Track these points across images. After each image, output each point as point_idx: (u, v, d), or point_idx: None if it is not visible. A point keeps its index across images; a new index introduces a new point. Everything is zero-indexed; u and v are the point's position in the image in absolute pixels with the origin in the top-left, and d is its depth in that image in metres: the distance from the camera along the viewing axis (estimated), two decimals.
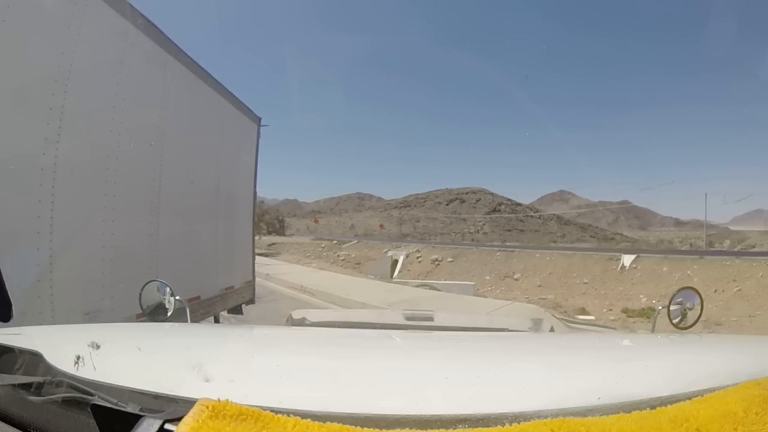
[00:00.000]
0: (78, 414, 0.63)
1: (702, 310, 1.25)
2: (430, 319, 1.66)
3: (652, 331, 1.32)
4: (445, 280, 19.88)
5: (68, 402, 0.64)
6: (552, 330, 1.77)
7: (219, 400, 0.50)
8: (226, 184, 4.87)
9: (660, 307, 1.29)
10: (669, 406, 0.54)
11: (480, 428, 0.51)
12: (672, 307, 1.25)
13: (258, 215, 14.52)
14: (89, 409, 0.59)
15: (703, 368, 0.77)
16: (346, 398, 0.61)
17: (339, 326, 1.55)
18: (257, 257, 6.84)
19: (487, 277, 25.72)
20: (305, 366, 0.82)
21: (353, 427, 0.49)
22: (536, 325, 1.67)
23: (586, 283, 21.99)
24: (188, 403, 0.51)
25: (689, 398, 0.56)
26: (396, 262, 28.98)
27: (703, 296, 1.27)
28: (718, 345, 1.13)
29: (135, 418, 0.56)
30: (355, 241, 43.30)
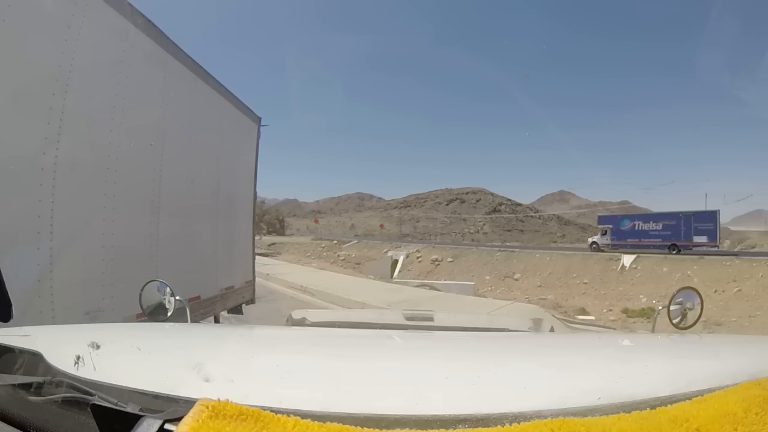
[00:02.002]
0: (78, 414, 0.63)
1: (702, 310, 1.25)
2: (430, 319, 1.66)
3: (652, 331, 1.32)
4: (445, 280, 19.89)
5: (68, 402, 0.64)
6: (552, 330, 1.77)
7: (219, 400, 0.50)
8: (226, 184, 4.87)
9: (660, 307, 1.29)
10: (669, 406, 0.54)
11: (480, 428, 0.51)
12: (672, 307, 1.25)
13: (258, 215, 14.53)
14: (89, 409, 0.59)
15: (703, 368, 0.77)
16: (346, 398, 0.61)
17: (339, 326, 1.55)
18: (257, 257, 6.85)
19: (487, 277, 25.73)
20: (305, 366, 0.82)
21: (353, 427, 0.49)
22: (536, 325, 1.67)
23: (586, 283, 22.00)
24: (188, 403, 0.51)
25: (689, 398, 0.56)
26: (396, 262, 29.02)
27: (703, 296, 1.27)
28: (718, 345, 1.13)
29: (135, 418, 0.56)
30: (355, 241, 43.34)
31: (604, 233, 26.67)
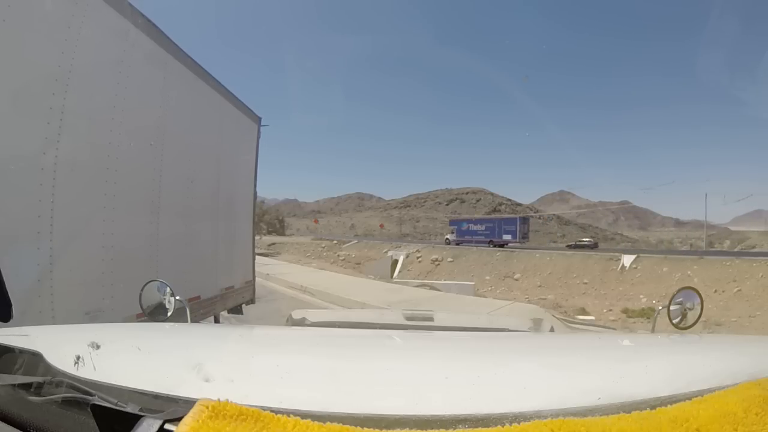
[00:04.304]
0: (78, 414, 0.62)
1: (702, 310, 1.25)
2: (430, 319, 1.66)
3: (652, 331, 1.32)
4: (445, 280, 19.88)
5: (68, 402, 0.64)
6: (552, 330, 1.77)
7: (219, 400, 0.50)
8: (226, 184, 4.87)
9: (660, 307, 1.29)
10: (669, 406, 0.54)
11: (480, 428, 0.51)
12: (672, 307, 1.25)
13: (258, 215, 14.52)
14: (89, 409, 0.59)
15: (703, 368, 0.77)
16: (346, 398, 0.61)
17: (339, 326, 1.54)
18: (257, 257, 6.84)
19: (487, 277, 25.73)
20: (305, 366, 0.82)
21: (353, 427, 0.49)
22: (536, 325, 1.67)
23: (586, 283, 22.00)
24: (188, 403, 0.51)
25: (689, 398, 0.56)
26: (396, 262, 29.08)
27: (703, 296, 1.27)
28: (718, 345, 1.13)
29: (135, 418, 0.56)
30: (355, 241, 43.39)
31: (452, 232, 36.24)
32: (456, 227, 36.43)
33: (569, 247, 31.61)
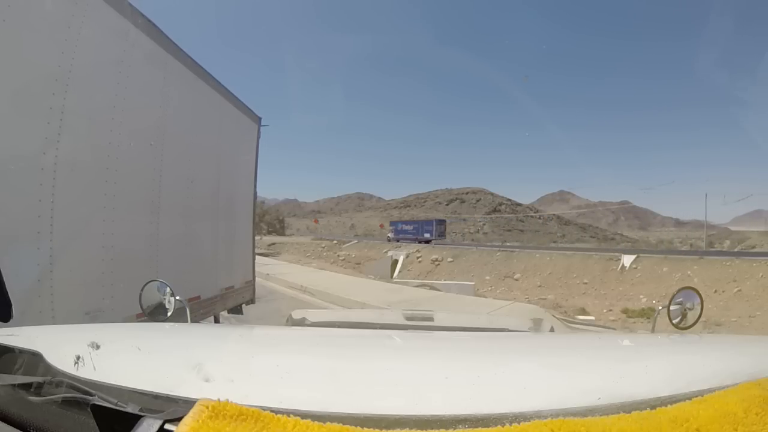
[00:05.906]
0: (78, 414, 0.63)
1: (702, 310, 1.25)
2: (430, 319, 1.66)
3: (652, 331, 1.32)
4: (445, 280, 19.87)
5: (68, 402, 0.64)
6: (552, 330, 1.77)
7: (219, 400, 0.50)
8: (226, 184, 4.87)
9: (660, 307, 1.29)
10: (669, 406, 0.54)
11: (480, 428, 0.51)
12: (672, 307, 1.25)
13: (258, 215, 14.51)
14: (89, 409, 0.59)
15: (703, 368, 0.77)
16: (346, 398, 0.61)
17: (339, 326, 1.55)
18: (257, 257, 6.83)
19: (487, 277, 25.70)
20: (305, 366, 0.82)
21: (353, 427, 0.49)
22: (536, 325, 1.67)
23: (586, 283, 21.98)
24: (188, 403, 0.51)
25: (689, 398, 0.56)
26: (396, 262, 29.09)
27: (703, 296, 1.27)
28: (718, 345, 1.13)
29: (135, 418, 0.56)
30: (355, 241, 43.46)
31: (391, 231, 42.51)
32: (393, 227, 43.69)
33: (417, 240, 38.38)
